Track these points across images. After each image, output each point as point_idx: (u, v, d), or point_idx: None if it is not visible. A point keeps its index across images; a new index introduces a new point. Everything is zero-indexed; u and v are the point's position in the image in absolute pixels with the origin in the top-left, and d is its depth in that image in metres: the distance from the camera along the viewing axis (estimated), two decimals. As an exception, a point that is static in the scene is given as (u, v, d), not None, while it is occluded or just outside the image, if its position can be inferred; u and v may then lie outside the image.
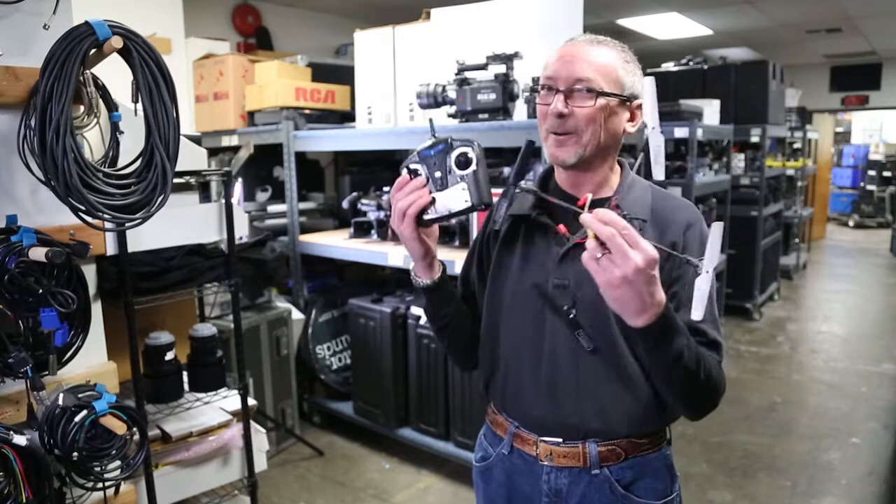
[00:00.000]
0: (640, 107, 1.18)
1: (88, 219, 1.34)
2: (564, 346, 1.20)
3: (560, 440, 1.22)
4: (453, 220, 3.05)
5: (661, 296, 0.98)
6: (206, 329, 2.18)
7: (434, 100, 2.84)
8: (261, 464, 2.28)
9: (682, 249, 1.14)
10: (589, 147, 1.14)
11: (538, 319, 1.23)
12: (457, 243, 3.02)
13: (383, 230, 3.29)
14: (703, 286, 0.98)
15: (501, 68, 2.67)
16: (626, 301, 0.95)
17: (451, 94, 2.80)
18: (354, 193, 3.43)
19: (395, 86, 3.24)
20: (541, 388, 1.23)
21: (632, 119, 1.19)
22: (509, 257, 1.29)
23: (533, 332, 1.23)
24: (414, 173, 1.15)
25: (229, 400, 2.20)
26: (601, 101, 1.12)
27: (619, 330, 1.14)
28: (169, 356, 2.06)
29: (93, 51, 1.30)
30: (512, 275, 1.27)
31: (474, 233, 2.83)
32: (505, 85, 2.66)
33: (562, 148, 1.15)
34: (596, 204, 1.04)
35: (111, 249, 1.79)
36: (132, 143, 1.42)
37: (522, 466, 1.28)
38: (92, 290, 1.54)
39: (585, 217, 0.95)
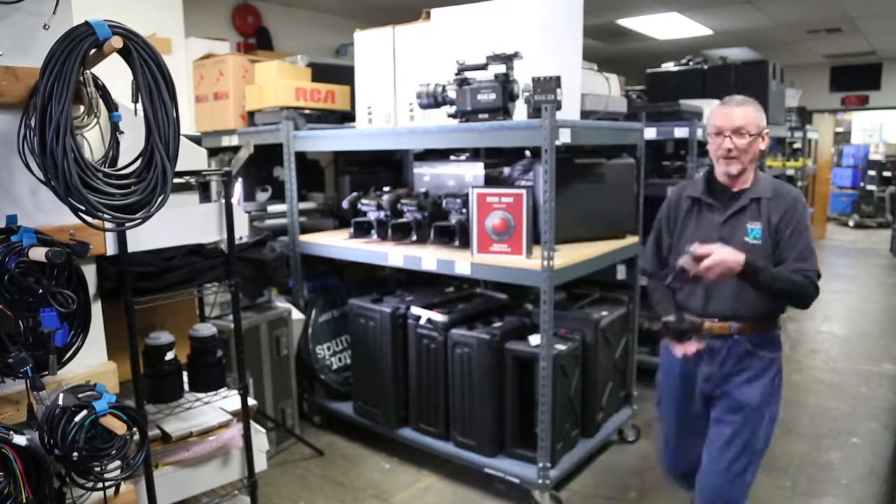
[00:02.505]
0: (766, 135, 2.06)
1: (88, 219, 1.34)
2: None
3: (716, 319, 2.08)
4: (454, 220, 3.05)
5: (740, 259, 1.90)
6: (206, 329, 2.18)
7: (434, 100, 2.84)
8: (261, 464, 2.28)
9: (788, 214, 2.02)
10: (745, 163, 2.04)
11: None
12: (457, 243, 3.02)
13: (383, 230, 3.29)
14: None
15: (501, 68, 2.67)
16: (724, 272, 1.91)
17: (451, 94, 2.80)
18: (354, 193, 3.43)
19: (395, 86, 3.24)
20: (705, 294, 2.09)
21: (762, 140, 2.05)
22: (689, 222, 2.16)
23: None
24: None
25: (229, 400, 2.20)
26: (749, 138, 2.01)
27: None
28: (169, 356, 2.06)
29: (93, 51, 1.31)
30: (690, 232, 2.14)
31: (475, 233, 2.83)
32: (505, 85, 2.66)
33: (731, 165, 2.04)
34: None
35: (111, 249, 1.79)
36: (132, 143, 1.42)
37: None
38: (92, 290, 1.54)
39: (696, 260, 1.93)
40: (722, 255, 1.88)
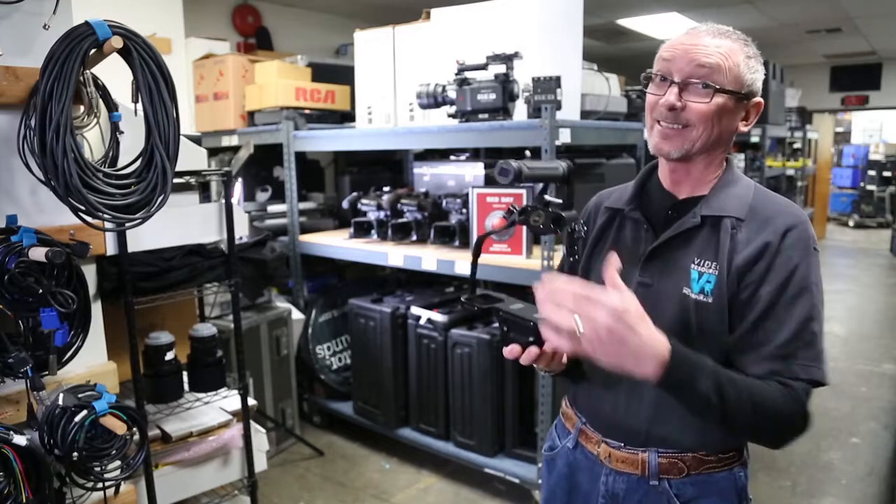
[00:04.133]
0: (756, 105, 1.13)
1: (88, 219, 1.34)
2: None
3: (621, 444, 1.19)
4: (454, 220, 3.05)
5: (658, 343, 0.92)
6: (206, 329, 2.18)
7: (434, 100, 2.84)
8: (261, 464, 2.28)
9: (776, 252, 1.06)
10: (697, 144, 1.10)
11: None
12: (457, 243, 3.02)
13: (383, 230, 3.29)
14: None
15: (501, 68, 2.67)
16: (619, 357, 0.90)
17: (451, 94, 2.80)
18: (354, 193, 3.43)
19: (395, 86, 3.24)
20: (611, 385, 1.19)
21: (746, 118, 1.13)
22: (599, 251, 1.25)
23: None
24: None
25: (229, 400, 2.20)
26: (718, 98, 1.07)
27: (694, 330, 1.10)
28: (169, 356, 2.06)
29: (93, 51, 1.31)
30: (599, 267, 1.16)
31: (474, 233, 2.83)
32: (505, 85, 2.66)
33: (667, 140, 1.11)
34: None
35: (111, 249, 1.79)
36: (132, 143, 1.42)
37: (584, 463, 1.27)
38: (92, 290, 1.54)
39: (539, 296, 0.92)
40: (605, 318, 0.88)
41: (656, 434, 1.16)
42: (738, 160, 5.84)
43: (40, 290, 1.30)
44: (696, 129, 1.09)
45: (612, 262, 0.94)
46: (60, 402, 1.36)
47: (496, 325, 2.98)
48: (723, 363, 1.06)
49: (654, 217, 1.20)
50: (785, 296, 1.05)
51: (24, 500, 1.25)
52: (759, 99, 1.13)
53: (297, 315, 3.48)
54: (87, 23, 1.29)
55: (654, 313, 1.07)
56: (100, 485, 1.44)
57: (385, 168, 4.24)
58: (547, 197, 1.20)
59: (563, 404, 1.39)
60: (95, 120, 1.42)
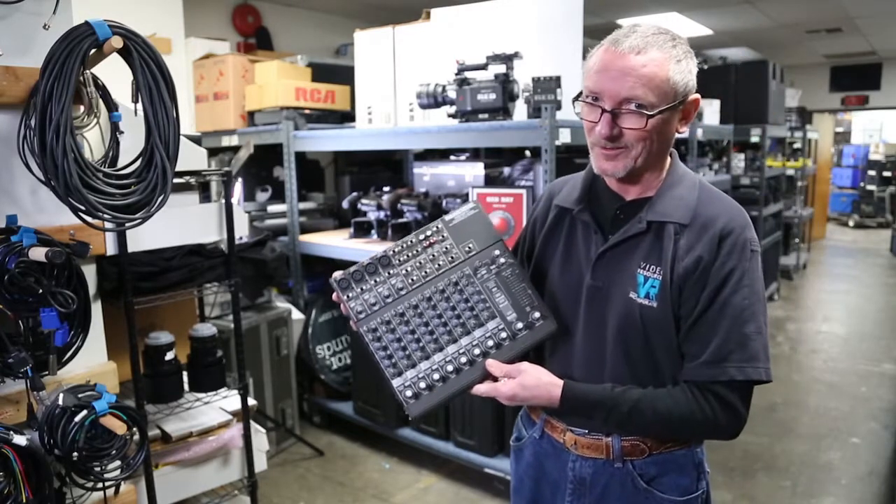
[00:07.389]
0: (693, 103, 1.12)
1: (88, 219, 1.34)
2: (593, 344, 1.21)
3: (585, 431, 1.24)
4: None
5: (552, 390, 1.16)
6: (206, 329, 2.18)
7: (434, 100, 2.84)
8: (261, 464, 2.28)
9: (711, 261, 1.09)
10: (640, 160, 1.11)
11: (573, 315, 1.23)
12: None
13: (383, 230, 3.28)
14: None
15: (501, 68, 2.67)
16: (528, 401, 1.20)
17: (451, 94, 2.80)
18: (354, 193, 3.43)
19: (395, 86, 3.24)
20: (570, 381, 1.23)
21: (684, 118, 1.13)
22: (552, 250, 1.28)
23: (566, 327, 1.24)
24: None
25: (229, 400, 2.20)
26: (654, 118, 1.06)
27: (643, 335, 1.16)
28: (169, 356, 2.06)
29: (93, 51, 1.31)
30: (553, 268, 1.27)
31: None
32: (505, 85, 2.66)
33: (610, 162, 1.12)
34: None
35: (111, 249, 1.79)
36: (132, 143, 1.42)
37: (551, 451, 1.31)
38: (92, 290, 1.54)
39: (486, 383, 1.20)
40: (506, 390, 1.15)
41: None
42: (738, 160, 5.83)
43: (40, 290, 1.30)
44: (635, 149, 1.10)
45: (492, 368, 1.18)
46: (60, 402, 1.36)
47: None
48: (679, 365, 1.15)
49: (603, 217, 1.21)
50: (717, 301, 1.09)
51: (24, 500, 1.25)
52: (694, 96, 1.11)
53: (297, 315, 3.48)
54: (87, 23, 1.29)
55: (605, 315, 1.19)
56: (100, 485, 1.44)
57: (385, 168, 4.24)
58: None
59: None
60: (95, 120, 1.42)
